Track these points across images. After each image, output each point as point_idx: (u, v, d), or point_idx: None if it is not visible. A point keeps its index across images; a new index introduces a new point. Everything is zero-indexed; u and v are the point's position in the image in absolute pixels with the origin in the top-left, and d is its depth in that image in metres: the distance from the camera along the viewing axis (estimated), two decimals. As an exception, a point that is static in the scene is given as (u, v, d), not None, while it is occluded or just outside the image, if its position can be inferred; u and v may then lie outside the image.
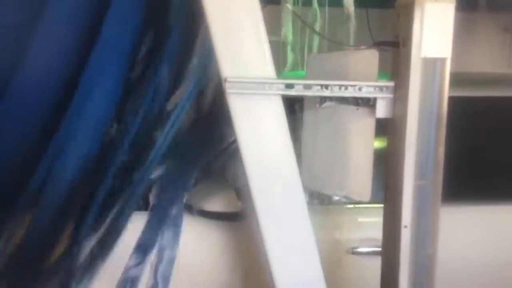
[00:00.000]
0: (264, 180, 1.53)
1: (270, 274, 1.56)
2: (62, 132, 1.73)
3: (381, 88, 1.54)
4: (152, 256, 1.79)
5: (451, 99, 1.49)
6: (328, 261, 1.77)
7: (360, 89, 1.53)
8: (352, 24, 3.41)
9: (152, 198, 1.90)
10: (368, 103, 1.56)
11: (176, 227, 1.83)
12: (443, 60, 1.46)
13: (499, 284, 2.12)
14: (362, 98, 1.56)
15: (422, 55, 1.45)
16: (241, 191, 1.90)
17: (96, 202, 1.76)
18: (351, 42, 3.30)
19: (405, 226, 1.53)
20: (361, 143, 1.60)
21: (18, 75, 1.67)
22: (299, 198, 1.55)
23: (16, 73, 1.67)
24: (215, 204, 2.00)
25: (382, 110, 1.55)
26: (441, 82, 1.47)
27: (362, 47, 1.63)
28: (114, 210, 1.80)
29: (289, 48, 3.95)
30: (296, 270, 1.58)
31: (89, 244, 1.76)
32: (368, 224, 2.00)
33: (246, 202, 1.78)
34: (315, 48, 3.75)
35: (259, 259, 1.61)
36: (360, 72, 1.58)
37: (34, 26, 1.64)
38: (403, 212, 1.52)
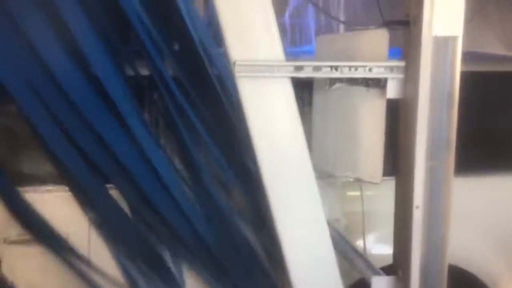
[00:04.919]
0: (274, 162, 1.53)
1: (282, 254, 1.56)
2: None
3: (391, 68, 1.52)
4: None
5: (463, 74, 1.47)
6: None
7: (370, 69, 1.51)
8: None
9: None
10: (379, 84, 1.55)
11: None
12: (454, 38, 1.44)
13: None
14: (372, 79, 1.55)
15: (433, 34, 1.43)
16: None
17: None
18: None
19: (417, 207, 1.52)
20: (372, 124, 1.59)
21: None
22: (309, 179, 1.54)
23: None
24: None
25: (392, 91, 1.53)
26: (453, 61, 1.45)
27: (372, 26, 1.61)
28: None
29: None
30: (307, 250, 1.58)
31: None
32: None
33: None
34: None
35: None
36: (370, 53, 1.57)
37: None
38: (415, 193, 1.51)
